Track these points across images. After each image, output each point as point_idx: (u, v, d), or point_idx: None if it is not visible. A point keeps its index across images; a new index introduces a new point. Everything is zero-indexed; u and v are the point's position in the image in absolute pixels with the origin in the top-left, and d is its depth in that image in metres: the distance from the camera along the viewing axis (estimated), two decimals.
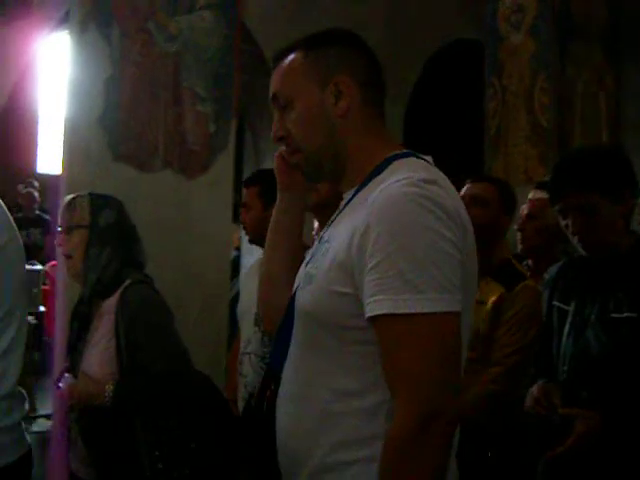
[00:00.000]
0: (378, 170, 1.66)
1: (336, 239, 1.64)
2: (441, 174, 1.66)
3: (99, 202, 2.93)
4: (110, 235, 2.86)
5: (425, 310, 1.47)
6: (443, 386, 1.47)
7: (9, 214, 2.47)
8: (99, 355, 2.72)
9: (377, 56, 1.80)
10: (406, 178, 1.55)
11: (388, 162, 1.67)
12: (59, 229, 2.91)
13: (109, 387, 2.64)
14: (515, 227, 3.72)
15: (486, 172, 6.12)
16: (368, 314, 1.51)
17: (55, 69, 8.58)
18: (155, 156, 4.57)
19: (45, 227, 8.04)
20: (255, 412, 1.94)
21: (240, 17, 5.11)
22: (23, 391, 2.50)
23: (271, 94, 1.79)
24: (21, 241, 2.51)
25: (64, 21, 6.06)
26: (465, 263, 1.57)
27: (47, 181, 7.92)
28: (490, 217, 3.27)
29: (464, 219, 1.60)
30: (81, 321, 2.86)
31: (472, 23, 6.77)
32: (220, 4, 4.98)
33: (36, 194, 8.72)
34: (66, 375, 2.78)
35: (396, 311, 1.48)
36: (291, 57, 1.77)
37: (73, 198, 2.94)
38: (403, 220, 1.51)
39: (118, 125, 4.54)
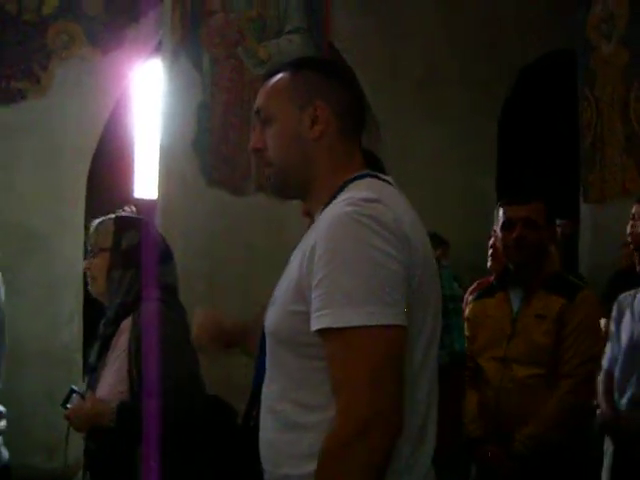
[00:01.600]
0: (339, 191, 1.73)
1: (293, 260, 1.72)
2: (392, 192, 1.74)
3: (123, 224, 2.92)
4: (133, 257, 2.82)
5: (363, 323, 1.52)
6: (380, 395, 1.52)
7: None
8: (112, 375, 2.71)
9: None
10: (348, 198, 1.64)
11: (346, 184, 1.75)
12: (89, 254, 2.93)
13: (113, 408, 2.62)
14: (631, 246, 3.72)
15: (582, 184, 6.07)
16: (312, 328, 1.58)
17: (149, 97, 8.89)
18: (248, 180, 4.71)
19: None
20: (243, 427, 1.97)
21: (328, 38, 5.23)
22: (1, 408, 2.53)
23: (255, 108, 1.87)
24: None
25: (156, 50, 6.31)
26: (414, 277, 1.62)
27: (144, 206, 8.22)
28: (540, 237, 3.30)
29: (409, 234, 1.63)
30: (103, 342, 2.82)
31: (563, 33, 6.73)
32: (308, 27, 5.13)
33: None
34: (74, 396, 2.77)
35: (335, 325, 1.54)
36: (278, 76, 1.86)
37: (101, 221, 2.95)
38: (342, 237, 1.58)
39: (211, 150, 4.72)
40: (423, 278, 1.65)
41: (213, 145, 4.74)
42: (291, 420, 1.69)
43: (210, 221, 4.78)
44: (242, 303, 4.39)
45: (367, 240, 1.57)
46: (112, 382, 2.69)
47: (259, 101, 1.87)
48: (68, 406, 2.74)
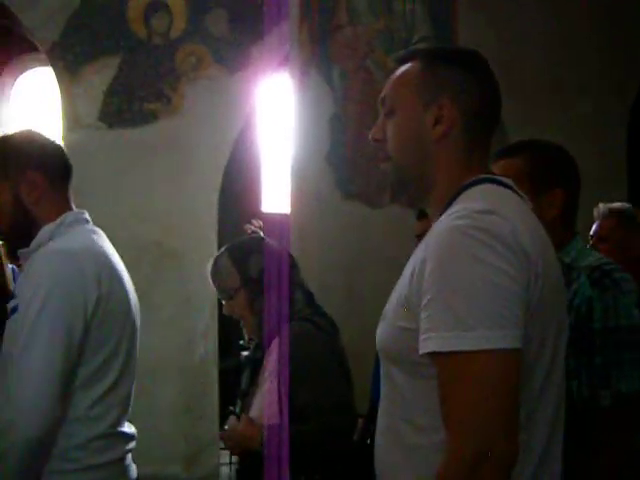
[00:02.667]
0: (454, 199, 1.65)
1: (404, 274, 1.65)
2: (512, 200, 1.64)
3: (240, 254, 2.86)
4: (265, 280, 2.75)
5: (473, 347, 1.43)
6: (493, 426, 1.42)
7: (116, 266, 2.52)
8: (264, 396, 2.68)
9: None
10: (460, 210, 1.55)
11: (462, 190, 1.66)
12: (221, 298, 2.89)
13: (263, 431, 2.56)
14: None
15: None
16: (419, 351, 1.50)
17: (277, 112, 9.08)
18: (383, 192, 4.75)
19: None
20: (359, 444, 1.96)
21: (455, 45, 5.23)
22: (129, 430, 2.52)
23: (381, 96, 1.80)
24: (127, 292, 2.52)
25: (282, 66, 6.45)
26: (533, 294, 1.52)
27: (272, 220, 8.38)
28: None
29: (528, 247, 1.52)
30: (254, 365, 2.83)
31: None
32: (434, 36, 5.15)
33: (261, 233, 9.23)
34: (231, 417, 2.75)
35: (442, 349, 1.46)
36: (408, 65, 1.76)
37: (215, 263, 2.89)
38: (453, 254, 1.49)
39: (345, 163, 4.78)
40: (544, 295, 1.55)
41: (347, 158, 4.80)
42: (404, 440, 1.63)
43: (345, 234, 4.84)
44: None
45: (480, 256, 1.47)
46: (262, 404, 2.66)
47: (385, 89, 1.80)
48: (225, 427, 2.74)
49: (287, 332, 2.66)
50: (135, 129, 6.71)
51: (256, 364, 2.82)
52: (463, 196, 1.64)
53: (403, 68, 1.77)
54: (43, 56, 7.35)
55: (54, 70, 6.92)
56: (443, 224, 1.56)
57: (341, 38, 5.00)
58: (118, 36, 6.79)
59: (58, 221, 2.41)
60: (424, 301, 1.51)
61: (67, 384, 2.24)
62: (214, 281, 2.89)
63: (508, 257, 1.47)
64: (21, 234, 2.41)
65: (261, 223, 8.62)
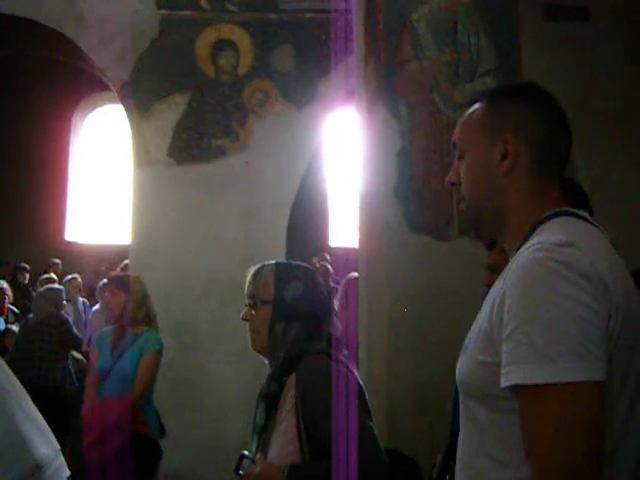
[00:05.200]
0: (530, 233, 1.68)
1: (484, 307, 1.66)
2: (589, 232, 1.66)
3: (285, 274, 2.81)
4: (297, 309, 2.73)
5: (555, 380, 1.45)
6: (576, 461, 1.42)
7: None
8: (281, 434, 2.61)
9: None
10: (539, 242, 1.58)
11: (539, 224, 1.69)
12: (246, 302, 2.83)
13: (283, 472, 2.49)
14: None
15: None
16: (501, 385, 1.51)
17: (343, 145, 9.27)
18: (451, 224, 4.84)
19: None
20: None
21: (520, 78, 5.32)
22: None
23: (452, 141, 1.88)
24: None
25: (348, 101, 6.63)
26: (615, 325, 1.52)
27: (339, 254, 8.53)
28: None
29: (607, 278, 1.53)
30: (269, 399, 2.71)
31: None
32: (500, 67, 5.25)
33: (329, 267, 9.42)
34: (245, 461, 2.66)
35: (524, 382, 1.47)
36: (474, 107, 1.85)
37: (260, 268, 2.85)
38: (533, 287, 1.51)
39: (413, 196, 4.89)
40: (624, 325, 1.54)
41: (415, 191, 4.90)
42: (485, 476, 1.63)
43: (414, 267, 4.93)
44: (448, 350, 4.50)
45: (560, 289, 1.49)
46: (281, 443, 2.60)
47: (455, 134, 1.87)
48: (240, 472, 2.63)
49: (306, 367, 2.62)
50: (204, 165, 6.95)
51: (271, 398, 2.70)
52: (540, 229, 1.67)
53: (469, 111, 1.85)
54: (113, 94, 7.67)
55: (125, 108, 7.22)
56: (522, 257, 1.58)
57: (407, 72, 5.12)
58: (187, 74, 7.06)
59: None
60: (505, 334, 1.53)
61: None
62: (250, 283, 2.83)
63: (588, 289, 1.49)
64: None
65: (327, 257, 8.79)
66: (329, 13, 6.61)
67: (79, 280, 10.03)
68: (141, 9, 7.08)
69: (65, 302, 8.27)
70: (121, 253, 8.97)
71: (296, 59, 7.00)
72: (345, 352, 2.78)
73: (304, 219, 7.67)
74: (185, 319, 6.82)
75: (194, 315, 6.75)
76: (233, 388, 6.39)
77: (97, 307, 9.03)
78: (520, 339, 1.49)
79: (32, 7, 7.11)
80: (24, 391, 2.68)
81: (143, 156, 7.06)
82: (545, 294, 1.49)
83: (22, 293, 10.27)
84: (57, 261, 11.03)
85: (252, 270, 2.86)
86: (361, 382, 2.73)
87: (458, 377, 1.70)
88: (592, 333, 1.48)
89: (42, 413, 2.53)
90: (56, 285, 7.97)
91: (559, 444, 1.44)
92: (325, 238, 9.28)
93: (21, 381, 2.62)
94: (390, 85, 5.12)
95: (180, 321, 6.83)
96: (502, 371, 1.52)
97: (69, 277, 9.83)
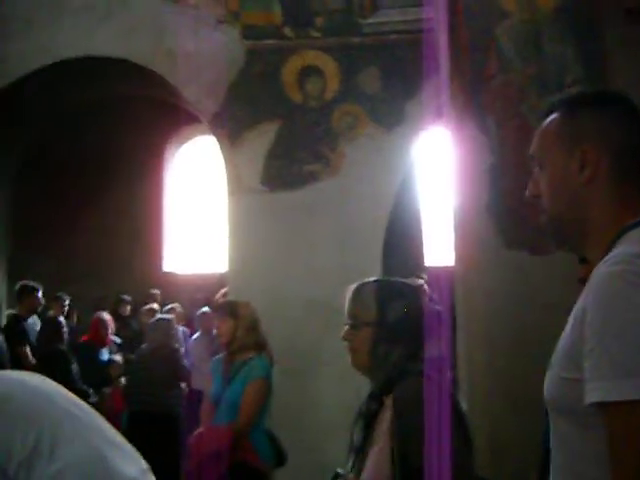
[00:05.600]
0: (613, 244, 1.64)
1: (568, 323, 1.63)
2: None
3: (387, 293, 2.71)
4: (400, 330, 2.65)
5: (637, 397, 1.41)
6: None
7: None
8: (376, 455, 2.56)
9: None
10: (617, 255, 1.55)
11: (621, 234, 1.65)
12: (347, 322, 2.75)
13: None
14: None
15: None
16: (585, 402, 1.48)
17: (435, 164, 9.29)
18: (545, 238, 4.80)
19: (438, 318, 8.57)
20: None
21: (607, 86, 5.26)
22: None
23: (530, 153, 1.84)
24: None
25: (438, 118, 6.65)
26: None
27: (436, 274, 8.52)
28: None
29: None
30: (367, 419, 2.66)
31: None
32: (586, 77, 5.21)
33: (426, 287, 9.38)
34: (339, 477, 2.64)
35: (604, 399, 1.44)
36: (550, 118, 1.81)
37: (360, 286, 2.75)
38: (611, 301, 1.48)
39: (506, 211, 4.88)
40: None
41: (508, 206, 4.90)
42: None
43: (510, 282, 4.92)
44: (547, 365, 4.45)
45: (637, 302, 1.46)
46: (375, 464, 2.54)
47: (532, 146, 1.84)
48: None
49: (403, 389, 2.55)
50: (297, 191, 7.06)
51: (368, 418, 2.65)
52: (624, 239, 1.63)
53: (545, 122, 1.82)
54: (204, 126, 7.89)
55: (216, 138, 7.41)
56: (600, 271, 1.55)
57: (493, 87, 5.14)
58: (275, 102, 7.20)
59: None
60: (586, 350, 1.50)
61: None
62: (350, 303, 2.75)
63: None
64: None
65: (425, 277, 8.78)
66: (413, 33, 6.66)
67: (179, 309, 10.26)
68: (227, 41, 7.27)
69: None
70: (218, 281, 9.15)
71: (382, 81, 7.07)
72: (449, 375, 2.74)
73: (399, 240, 7.69)
74: (284, 345, 6.89)
75: (293, 340, 6.83)
76: (334, 411, 6.42)
77: (196, 336, 9.22)
78: (600, 355, 1.47)
79: (123, 47, 7.39)
80: (102, 419, 2.87)
81: (236, 185, 7.22)
82: (623, 308, 1.46)
83: (123, 324, 10.55)
84: (156, 292, 11.29)
85: (352, 288, 2.76)
86: (461, 405, 2.67)
87: (545, 394, 1.67)
88: None
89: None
90: (167, 315, 8.20)
91: (637, 468, 1.41)
92: (421, 258, 9.28)
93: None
94: (477, 101, 5.14)
95: (279, 347, 6.90)
96: (585, 388, 1.49)
97: (169, 307, 10.05)
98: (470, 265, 5.01)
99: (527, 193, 1.86)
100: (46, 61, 7.51)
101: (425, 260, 9.20)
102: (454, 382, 4.60)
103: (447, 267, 6.19)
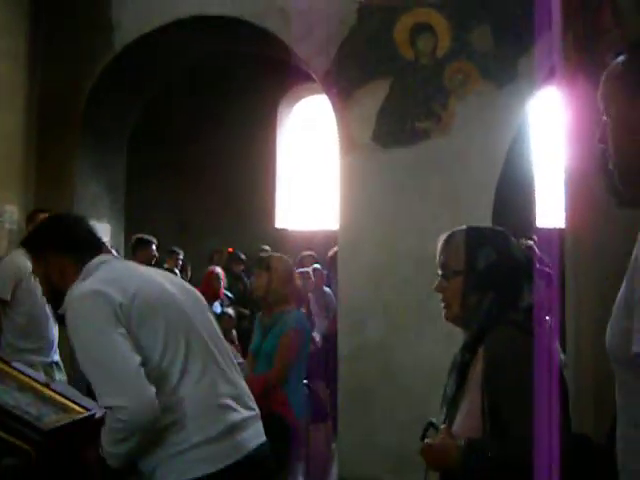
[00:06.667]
0: None
1: (627, 272, 1.59)
2: None
3: (475, 241, 2.67)
4: (491, 278, 2.62)
5: None
6: None
7: (141, 273, 3.01)
8: (467, 407, 2.55)
9: None
10: None
11: None
12: (440, 273, 2.74)
13: (461, 446, 2.41)
14: None
15: None
16: (632, 350, 1.47)
17: (547, 121, 9.20)
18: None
19: (548, 280, 8.56)
20: (605, 449, 1.81)
21: None
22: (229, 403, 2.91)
23: (598, 96, 1.80)
24: (159, 292, 2.95)
25: (551, 75, 6.59)
26: None
27: (545, 235, 8.47)
28: None
29: None
30: (460, 370, 2.64)
31: None
32: None
33: (536, 248, 9.33)
34: (430, 429, 2.63)
35: None
36: (615, 63, 1.75)
37: (451, 235, 2.73)
38: None
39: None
40: None
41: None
42: (633, 448, 1.60)
43: (622, 241, 4.90)
44: None
45: None
46: (466, 415, 2.54)
47: (599, 91, 1.80)
48: (426, 440, 2.58)
49: (493, 339, 2.55)
50: (408, 148, 7.13)
51: (462, 369, 2.63)
52: None
53: (611, 66, 1.77)
54: (316, 85, 8.02)
55: (328, 96, 7.53)
56: None
57: (608, 42, 5.07)
58: (387, 60, 7.26)
59: (80, 278, 2.97)
60: (636, 299, 1.49)
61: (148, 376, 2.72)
62: (441, 252, 2.74)
63: None
64: (56, 300, 3.04)
65: (529, 242, 8.74)
66: None
67: None
68: (339, 0, 7.36)
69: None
70: (330, 238, 9.32)
71: (494, 38, 7.03)
72: (547, 321, 2.63)
73: (509, 200, 7.68)
74: (395, 300, 7.04)
75: (404, 296, 6.95)
76: (442, 368, 6.53)
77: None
78: None
79: (235, 5, 7.56)
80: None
81: (348, 142, 7.34)
82: None
83: (236, 279, 10.88)
84: (267, 248, 11.56)
85: (443, 237, 2.75)
86: (561, 361, 2.63)
87: (607, 345, 1.64)
88: None
89: None
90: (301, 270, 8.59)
91: None
92: (532, 219, 9.21)
93: None
94: (590, 57, 5.08)
95: (390, 303, 7.06)
96: (634, 336, 1.48)
97: None
98: (581, 225, 5.01)
99: (596, 140, 1.82)
100: (160, 22, 7.76)
101: (536, 220, 9.14)
102: (562, 337, 4.59)
103: (558, 228, 6.16)
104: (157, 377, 2.78)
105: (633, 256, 1.56)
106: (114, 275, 2.94)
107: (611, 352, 1.62)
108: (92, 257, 3.02)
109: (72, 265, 3.01)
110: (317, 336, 8.26)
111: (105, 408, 2.72)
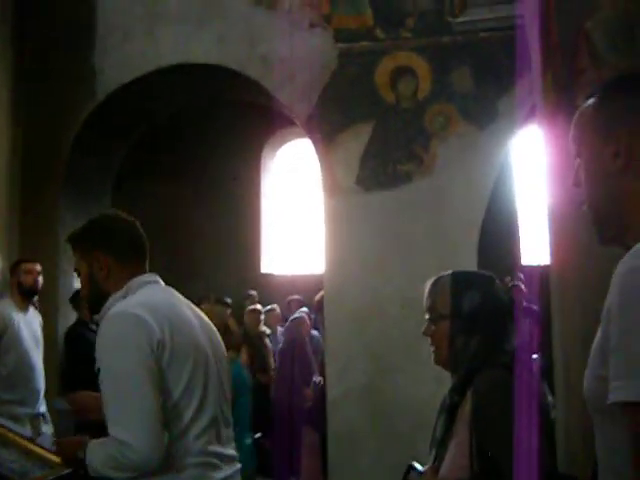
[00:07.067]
0: None
1: (602, 320, 1.56)
2: None
3: (461, 285, 2.72)
4: (476, 321, 2.65)
5: None
6: None
7: (180, 313, 2.91)
8: (455, 448, 2.56)
9: None
10: (638, 249, 1.49)
11: None
12: (427, 317, 2.77)
13: None
14: None
15: None
16: (608, 401, 1.44)
17: (530, 161, 9.29)
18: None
19: (535, 318, 8.61)
20: None
21: None
22: (224, 451, 2.86)
23: (569, 138, 1.77)
24: (192, 334, 2.88)
25: (531, 115, 6.65)
26: None
27: (529, 272, 8.51)
28: None
29: None
30: (449, 412, 2.66)
31: None
32: None
33: (522, 286, 9.37)
34: (412, 473, 2.66)
35: (626, 399, 1.40)
36: (587, 104, 1.73)
37: (437, 280, 2.78)
38: (630, 297, 1.43)
39: None
40: None
41: None
42: None
43: (606, 279, 4.92)
44: None
45: None
46: (454, 456, 2.55)
47: (571, 132, 1.77)
48: None
49: (482, 380, 2.56)
50: (391, 191, 7.17)
51: (451, 411, 2.65)
52: None
53: (581, 108, 1.76)
54: (299, 129, 8.07)
55: (311, 140, 7.58)
56: (621, 264, 1.50)
57: (585, 82, 5.13)
58: (368, 103, 7.32)
59: (125, 288, 2.91)
60: (610, 347, 1.46)
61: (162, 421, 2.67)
62: (428, 296, 2.77)
63: None
64: (96, 303, 2.97)
65: (515, 280, 8.77)
66: (503, 31, 6.69)
67: (278, 310, 10.48)
68: (320, 45, 7.43)
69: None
70: (316, 282, 9.32)
71: (475, 79, 7.11)
72: (534, 358, 2.71)
73: (494, 239, 7.71)
74: (381, 344, 7.03)
75: (390, 339, 6.94)
76: (430, 411, 6.50)
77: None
78: (621, 353, 1.42)
79: (218, 53, 7.63)
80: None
81: (332, 186, 7.37)
82: (638, 303, 1.41)
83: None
84: (253, 293, 11.53)
85: (430, 282, 2.80)
86: (548, 402, 2.65)
87: (584, 392, 1.62)
88: None
89: None
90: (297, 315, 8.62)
91: None
92: (517, 257, 9.25)
93: None
94: (569, 97, 5.13)
95: (376, 346, 7.05)
96: (609, 385, 1.45)
97: (268, 308, 10.28)
98: (565, 262, 5.02)
99: (571, 182, 1.79)
100: (142, 71, 7.81)
101: (521, 259, 9.16)
102: (544, 378, 4.57)
103: (543, 266, 6.19)
104: (170, 418, 2.74)
105: (606, 304, 1.52)
106: (155, 301, 2.89)
107: (588, 400, 1.60)
108: (139, 269, 3.01)
109: (119, 270, 2.96)
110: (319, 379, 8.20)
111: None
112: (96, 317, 2.97)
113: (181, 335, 2.82)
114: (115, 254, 2.98)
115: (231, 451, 2.98)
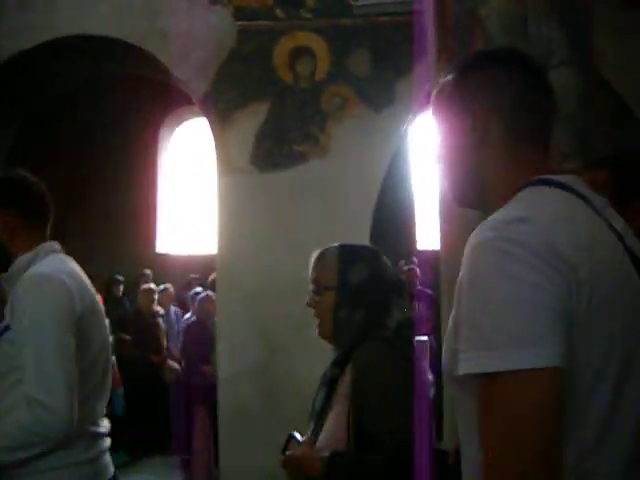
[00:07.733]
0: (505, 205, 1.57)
1: (455, 294, 1.56)
2: (565, 203, 1.54)
3: (348, 258, 2.72)
4: (362, 294, 2.66)
5: (499, 369, 1.36)
6: (524, 456, 1.34)
7: (88, 285, 2.92)
8: (333, 420, 2.58)
9: None
10: (489, 221, 1.48)
11: (515, 193, 1.59)
12: (311, 288, 2.77)
13: (324, 457, 2.45)
14: None
15: None
16: (458, 373, 1.46)
17: (425, 145, 9.38)
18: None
19: (428, 301, 8.72)
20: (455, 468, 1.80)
21: (595, 70, 5.30)
22: (97, 429, 2.86)
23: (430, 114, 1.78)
24: (100, 310, 2.94)
25: (427, 99, 6.71)
26: (579, 303, 1.41)
27: (425, 257, 8.62)
28: None
29: (569, 255, 1.41)
30: (329, 385, 2.68)
31: None
32: (573, 59, 5.24)
33: (417, 270, 9.49)
34: (292, 442, 2.67)
35: (473, 370, 1.41)
36: (442, 82, 1.76)
37: (323, 252, 2.78)
38: (481, 270, 1.43)
39: None
40: (596, 301, 1.42)
41: None
42: (468, 467, 1.60)
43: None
44: None
45: (507, 270, 1.39)
46: (332, 428, 2.58)
47: (431, 109, 1.79)
48: (287, 453, 2.62)
49: (361, 353, 2.57)
50: (285, 171, 7.14)
51: (331, 384, 2.67)
52: (511, 202, 1.56)
53: (441, 82, 1.77)
54: (197, 108, 7.95)
55: (207, 118, 7.48)
56: (472, 237, 1.49)
57: None
58: (266, 83, 7.26)
59: (35, 251, 2.86)
60: (461, 321, 1.47)
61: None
62: (313, 269, 2.76)
63: (539, 268, 1.39)
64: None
65: (416, 260, 8.87)
66: (403, 15, 6.71)
67: (171, 290, 10.39)
68: (219, 22, 7.31)
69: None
70: (210, 262, 9.25)
71: (373, 63, 7.12)
72: (423, 339, 2.71)
73: (388, 222, 7.78)
74: (272, 324, 7.01)
75: (280, 320, 6.93)
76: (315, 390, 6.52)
77: (188, 316, 9.33)
78: (469, 326, 1.43)
79: (116, 26, 7.43)
80: None
81: (226, 165, 7.29)
82: (491, 277, 1.41)
83: (116, 304, 10.65)
84: (148, 272, 11.41)
85: (315, 254, 2.80)
86: (430, 380, 2.65)
87: (442, 365, 1.63)
88: (544, 316, 1.38)
89: None
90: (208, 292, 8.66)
91: (504, 438, 1.37)
92: (412, 241, 9.35)
93: None
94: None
95: (267, 326, 7.03)
96: (458, 358, 1.46)
97: (162, 287, 10.18)
98: (452, 247, 5.08)
99: (434, 160, 1.81)
100: (39, 40, 7.55)
101: (416, 243, 9.28)
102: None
103: (437, 250, 6.25)
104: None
105: (458, 279, 1.51)
106: (68, 270, 2.88)
107: (444, 372, 1.62)
108: (44, 234, 2.95)
109: (23, 232, 2.90)
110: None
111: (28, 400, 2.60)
112: (2, 275, 2.89)
113: (92, 306, 2.86)
114: (21, 214, 2.91)
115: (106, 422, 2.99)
